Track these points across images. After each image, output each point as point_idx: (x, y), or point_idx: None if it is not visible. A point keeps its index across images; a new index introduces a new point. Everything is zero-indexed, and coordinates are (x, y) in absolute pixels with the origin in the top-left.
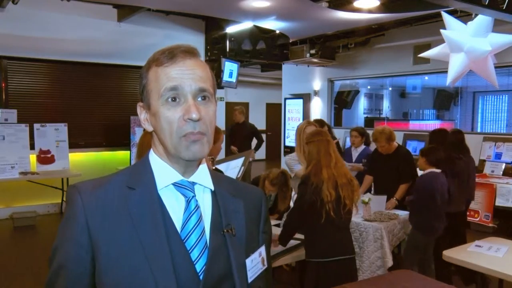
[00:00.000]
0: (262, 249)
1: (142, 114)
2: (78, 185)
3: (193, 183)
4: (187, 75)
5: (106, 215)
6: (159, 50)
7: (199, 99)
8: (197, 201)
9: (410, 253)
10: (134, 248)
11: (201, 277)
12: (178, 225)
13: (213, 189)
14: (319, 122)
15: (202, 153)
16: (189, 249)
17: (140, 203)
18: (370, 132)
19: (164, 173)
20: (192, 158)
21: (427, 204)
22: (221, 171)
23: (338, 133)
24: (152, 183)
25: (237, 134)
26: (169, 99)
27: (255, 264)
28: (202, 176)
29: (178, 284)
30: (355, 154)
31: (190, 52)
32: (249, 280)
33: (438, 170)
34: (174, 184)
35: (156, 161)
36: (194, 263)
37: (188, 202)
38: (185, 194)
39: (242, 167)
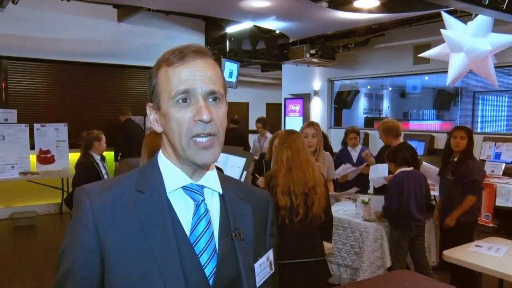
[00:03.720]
0: (270, 253)
1: (152, 115)
2: (86, 187)
3: (202, 187)
4: (198, 76)
5: (115, 219)
6: (169, 49)
7: (210, 100)
8: (206, 205)
9: (392, 250)
10: (143, 252)
11: (210, 282)
12: (187, 229)
13: (221, 192)
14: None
15: (214, 158)
16: (198, 254)
17: (149, 206)
18: (371, 132)
19: (173, 176)
20: (203, 164)
21: (396, 205)
22: (221, 170)
23: (339, 133)
24: (161, 186)
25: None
26: (180, 100)
27: (263, 268)
28: (211, 179)
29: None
30: (354, 154)
31: (200, 52)
32: (257, 285)
33: (409, 168)
34: (183, 188)
35: (165, 163)
36: (204, 267)
37: (197, 206)
38: (195, 198)
39: (245, 171)
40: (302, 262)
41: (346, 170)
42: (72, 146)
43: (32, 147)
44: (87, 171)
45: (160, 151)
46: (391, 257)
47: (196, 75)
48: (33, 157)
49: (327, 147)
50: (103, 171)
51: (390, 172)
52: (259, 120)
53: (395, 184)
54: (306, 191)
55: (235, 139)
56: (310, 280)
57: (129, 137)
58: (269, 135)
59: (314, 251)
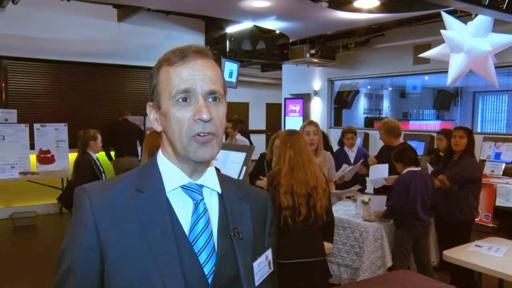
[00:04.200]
0: (269, 252)
1: (152, 114)
2: (86, 187)
3: (201, 186)
4: (198, 76)
5: (115, 218)
6: (170, 49)
7: (210, 100)
8: (205, 204)
9: (396, 250)
10: (142, 251)
11: (209, 280)
12: (186, 228)
13: (220, 192)
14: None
15: (212, 155)
16: (197, 252)
17: (148, 206)
18: (371, 132)
19: (172, 175)
20: (201, 160)
21: (402, 204)
22: (218, 170)
23: (339, 133)
24: (160, 185)
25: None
26: (180, 100)
27: (262, 267)
28: (210, 179)
29: (186, 287)
30: (351, 154)
31: (201, 52)
32: (256, 284)
33: (417, 168)
34: (183, 187)
35: (164, 163)
36: (202, 266)
37: (196, 205)
38: (194, 197)
39: (244, 167)
40: (303, 262)
41: (343, 171)
42: (72, 146)
43: (32, 147)
44: (87, 169)
45: (160, 150)
46: (394, 257)
47: (196, 75)
48: (33, 157)
49: (328, 147)
50: (101, 169)
51: (392, 172)
52: (229, 120)
53: (402, 183)
54: (308, 191)
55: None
56: (310, 280)
57: (118, 138)
58: (239, 137)
59: (315, 251)
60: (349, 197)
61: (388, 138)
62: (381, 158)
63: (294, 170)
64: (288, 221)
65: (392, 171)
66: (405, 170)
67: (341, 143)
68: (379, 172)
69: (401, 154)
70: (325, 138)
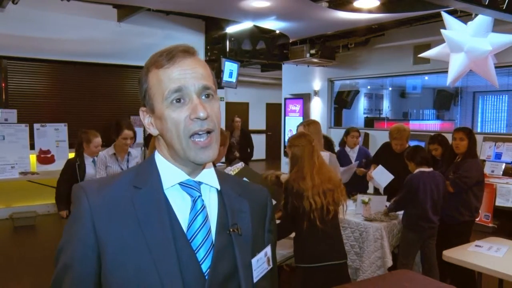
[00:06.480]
0: (268, 249)
1: (146, 119)
2: (84, 185)
3: (199, 183)
4: (189, 74)
5: (113, 215)
6: (157, 52)
7: (203, 97)
8: (203, 201)
9: (403, 251)
10: (140, 248)
11: (207, 277)
12: (184, 225)
13: (219, 188)
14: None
15: (213, 157)
16: (195, 249)
17: (146, 203)
18: (371, 132)
19: (170, 172)
20: (202, 163)
21: (410, 202)
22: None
23: (339, 133)
24: (158, 182)
25: None
26: (174, 101)
27: (260, 264)
28: (209, 176)
29: (184, 284)
30: (352, 155)
31: (188, 51)
32: (255, 280)
33: (429, 169)
34: (181, 184)
35: (162, 162)
36: (200, 263)
37: (194, 202)
38: (191, 194)
39: None
40: (336, 264)
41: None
42: (72, 146)
43: (32, 147)
44: (67, 172)
45: (156, 151)
46: (400, 257)
47: (187, 73)
48: (33, 157)
49: (331, 150)
50: (91, 174)
51: (400, 176)
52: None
53: (410, 182)
54: (333, 188)
55: (242, 140)
56: (340, 283)
57: None
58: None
59: (343, 252)
60: (349, 197)
61: (407, 143)
62: (388, 166)
63: (322, 167)
64: (317, 223)
65: (399, 176)
66: (417, 170)
67: (342, 143)
68: (383, 179)
69: (414, 153)
70: (329, 142)
